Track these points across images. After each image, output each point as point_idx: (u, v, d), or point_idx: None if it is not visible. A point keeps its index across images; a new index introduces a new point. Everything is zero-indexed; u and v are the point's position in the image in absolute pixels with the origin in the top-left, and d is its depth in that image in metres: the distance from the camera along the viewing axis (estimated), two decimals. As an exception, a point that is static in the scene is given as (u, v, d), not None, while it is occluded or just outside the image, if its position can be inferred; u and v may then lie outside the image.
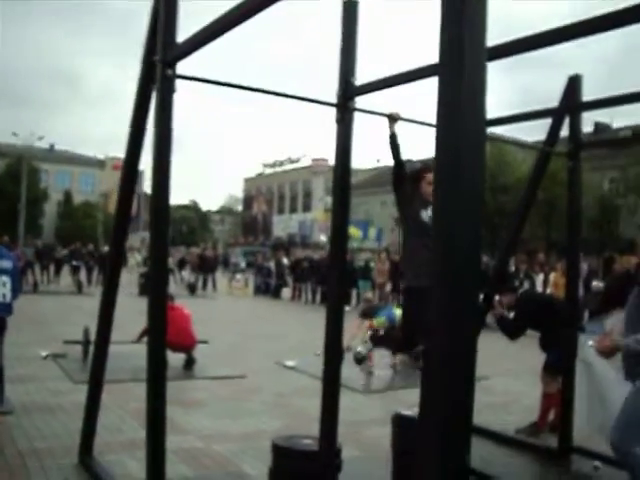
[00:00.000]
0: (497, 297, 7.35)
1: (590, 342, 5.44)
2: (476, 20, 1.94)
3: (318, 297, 24.82)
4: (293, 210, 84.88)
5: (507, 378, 10.27)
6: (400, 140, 4.91)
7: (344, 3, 4.32)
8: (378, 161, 71.08)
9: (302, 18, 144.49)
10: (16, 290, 6.96)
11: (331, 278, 4.52)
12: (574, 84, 6.00)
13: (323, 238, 58.84)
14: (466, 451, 2.06)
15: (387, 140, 4.90)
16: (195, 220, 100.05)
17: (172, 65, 3.93)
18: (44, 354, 10.15)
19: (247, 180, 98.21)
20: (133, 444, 5.97)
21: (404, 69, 4.54)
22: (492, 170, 37.19)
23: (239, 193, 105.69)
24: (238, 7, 3.31)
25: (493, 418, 7.58)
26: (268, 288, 28.32)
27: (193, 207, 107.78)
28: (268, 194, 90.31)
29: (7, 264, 6.88)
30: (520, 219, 6.69)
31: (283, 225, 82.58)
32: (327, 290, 5.05)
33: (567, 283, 6.74)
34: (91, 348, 9.22)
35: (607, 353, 4.75)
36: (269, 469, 4.86)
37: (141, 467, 4.79)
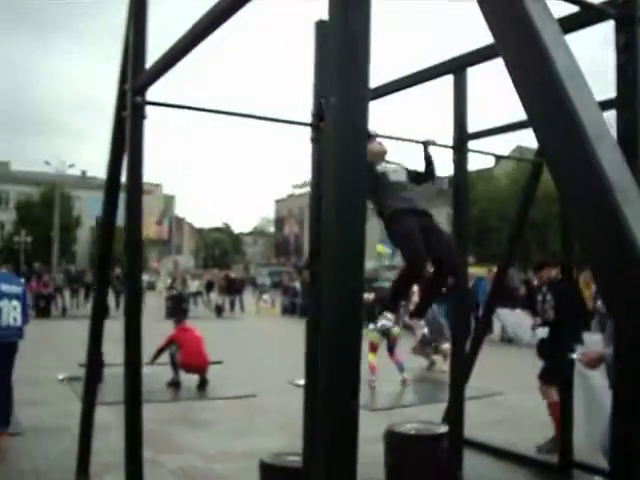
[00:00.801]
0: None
1: (575, 355, 5.44)
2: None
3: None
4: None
5: (519, 393, 10.17)
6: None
7: (316, 23, 4.40)
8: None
9: (275, 34, 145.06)
10: (26, 314, 7.15)
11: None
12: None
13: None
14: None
15: None
16: (228, 242, 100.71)
17: (141, 92, 4.05)
18: (61, 377, 10.32)
19: (278, 201, 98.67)
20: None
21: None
22: (521, 184, 36.88)
23: (271, 215, 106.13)
24: (196, 25, 3.33)
25: (501, 434, 7.56)
26: (295, 308, 28.38)
27: (226, 230, 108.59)
28: (299, 215, 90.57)
29: (17, 289, 7.11)
30: (516, 230, 6.74)
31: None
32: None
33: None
34: (106, 370, 9.48)
35: (592, 365, 4.77)
36: (257, 487, 4.92)
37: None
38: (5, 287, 6.89)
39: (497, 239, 34.70)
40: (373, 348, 10.80)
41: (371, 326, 10.30)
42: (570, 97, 1.35)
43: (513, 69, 1.49)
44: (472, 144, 5.77)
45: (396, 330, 10.87)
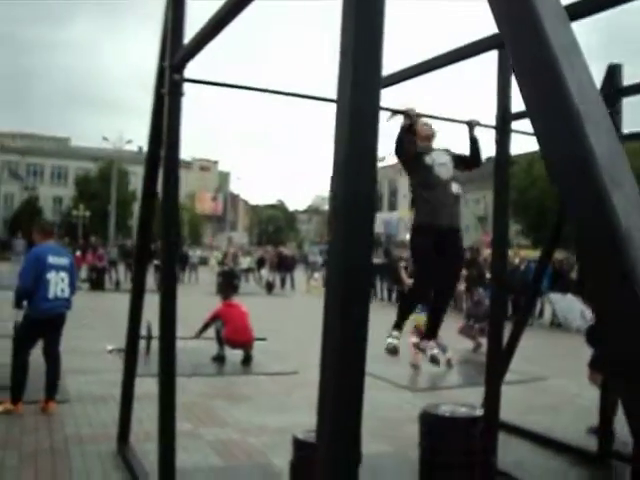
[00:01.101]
0: None
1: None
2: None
3: (394, 296, 24.77)
4: (379, 209, 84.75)
5: (564, 379, 10.04)
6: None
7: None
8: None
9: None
10: (74, 286, 7.33)
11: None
12: (614, 73, 5.89)
13: (409, 236, 58.27)
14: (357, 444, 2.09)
15: (399, 130, 4.89)
16: (282, 220, 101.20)
17: (179, 69, 4.09)
18: (109, 348, 10.57)
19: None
20: (170, 434, 6.22)
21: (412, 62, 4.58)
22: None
23: (325, 192, 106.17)
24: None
25: (542, 420, 7.48)
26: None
27: (280, 207, 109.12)
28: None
29: (65, 261, 7.26)
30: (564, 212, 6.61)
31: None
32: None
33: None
34: (153, 343, 9.69)
35: None
36: (290, 461, 4.98)
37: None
38: (53, 259, 7.06)
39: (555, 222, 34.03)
40: (419, 332, 10.74)
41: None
42: (565, 77, 1.32)
43: (513, 51, 1.46)
44: (516, 125, 5.65)
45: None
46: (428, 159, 4.94)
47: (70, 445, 5.93)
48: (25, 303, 7.06)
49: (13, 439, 6.02)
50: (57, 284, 7.03)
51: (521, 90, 1.47)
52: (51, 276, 6.99)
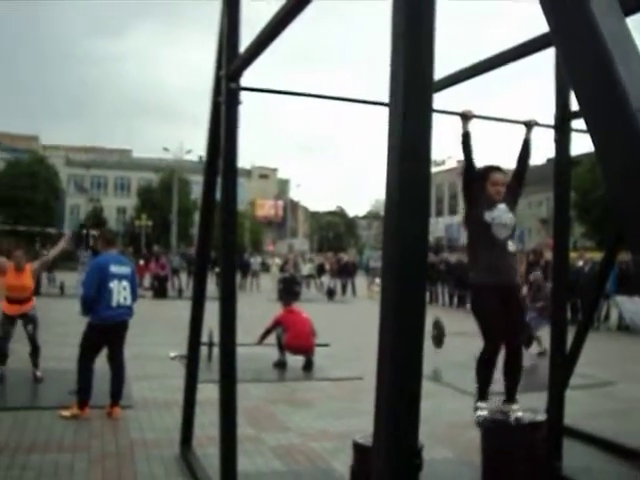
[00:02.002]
0: None
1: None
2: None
3: (455, 300, 24.57)
4: (439, 213, 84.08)
5: (632, 383, 9.79)
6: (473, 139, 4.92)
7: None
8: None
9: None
10: (135, 293, 7.49)
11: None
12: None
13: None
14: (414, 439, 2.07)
15: (459, 139, 4.91)
16: (342, 226, 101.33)
17: (236, 78, 4.15)
18: (172, 355, 10.73)
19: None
20: (233, 439, 6.28)
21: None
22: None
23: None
24: (283, 7, 3.36)
25: (610, 425, 7.31)
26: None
27: (340, 213, 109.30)
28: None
29: (127, 270, 7.46)
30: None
31: (430, 229, 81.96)
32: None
33: None
34: (215, 349, 9.81)
35: None
36: (350, 466, 4.97)
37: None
38: (115, 268, 7.25)
39: (620, 223, 33.21)
40: None
41: None
42: (619, 73, 1.30)
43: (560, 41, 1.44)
44: (577, 124, 5.54)
45: None
46: (488, 216, 4.89)
47: (135, 449, 6.05)
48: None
49: (81, 443, 6.18)
50: (119, 292, 7.21)
51: (574, 88, 1.45)
52: (113, 285, 7.16)
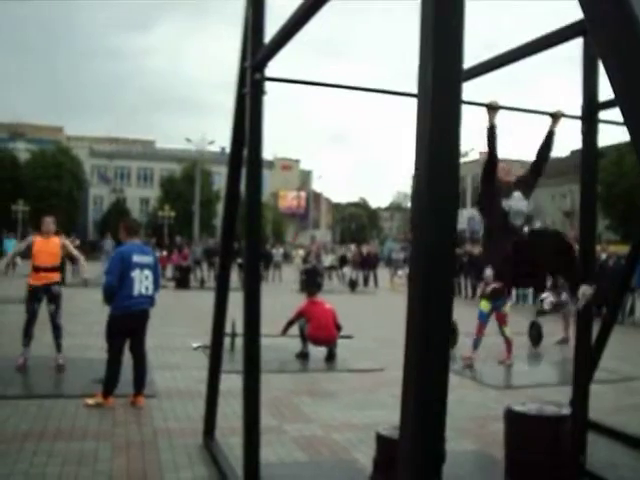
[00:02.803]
0: None
1: None
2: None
3: (478, 292, 24.42)
4: (462, 205, 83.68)
5: (657, 379, 9.70)
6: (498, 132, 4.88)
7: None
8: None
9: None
10: (157, 283, 7.53)
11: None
12: None
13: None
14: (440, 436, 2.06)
15: (485, 132, 4.86)
16: (364, 217, 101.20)
17: (260, 69, 4.14)
18: (195, 345, 10.79)
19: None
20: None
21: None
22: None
23: (407, 189, 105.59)
24: None
25: (634, 420, 7.24)
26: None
27: (362, 204, 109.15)
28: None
29: (149, 259, 7.51)
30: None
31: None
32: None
33: None
34: (238, 340, 9.85)
35: None
36: (373, 458, 4.98)
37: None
38: (137, 258, 7.29)
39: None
40: (502, 321, 10.75)
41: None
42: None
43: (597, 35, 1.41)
44: (603, 114, 5.46)
45: (508, 307, 10.91)
46: (505, 205, 4.88)
47: (159, 438, 6.10)
48: None
49: (105, 431, 6.23)
50: (141, 282, 7.26)
51: (609, 75, 1.43)
52: (135, 274, 7.21)
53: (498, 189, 4.92)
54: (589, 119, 5.27)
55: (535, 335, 12.51)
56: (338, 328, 10.83)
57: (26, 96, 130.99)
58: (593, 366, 5.94)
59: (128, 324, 7.35)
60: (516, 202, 4.90)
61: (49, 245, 8.88)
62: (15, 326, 9.03)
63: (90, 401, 7.11)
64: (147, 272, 7.35)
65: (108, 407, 7.03)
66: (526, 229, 4.93)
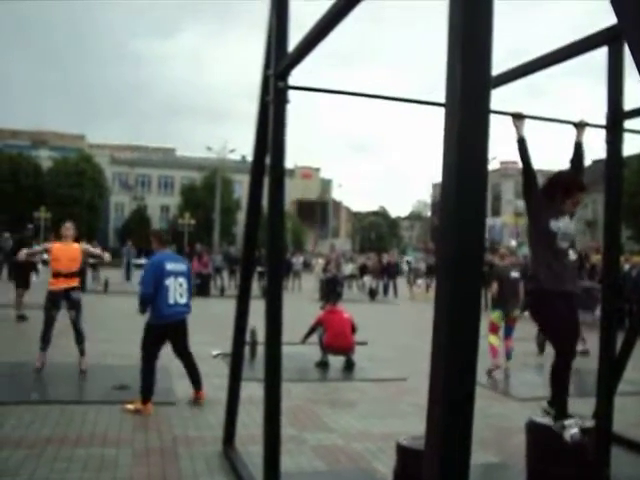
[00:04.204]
0: None
1: None
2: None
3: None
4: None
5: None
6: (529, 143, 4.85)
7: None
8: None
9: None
10: (191, 291, 7.70)
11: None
12: None
13: (513, 243, 57.20)
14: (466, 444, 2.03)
15: (516, 145, 4.85)
16: (384, 226, 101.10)
17: (284, 77, 4.14)
18: (215, 353, 10.79)
19: (435, 185, 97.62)
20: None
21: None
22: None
23: (428, 198, 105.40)
24: (334, 5, 3.34)
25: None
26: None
27: (382, 213, 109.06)
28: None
29: (183, 267, 7.69)
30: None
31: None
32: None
33: None
34: (258, 348, 9.85)
35: None
36: (393, 468, 4.94)
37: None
38: (170, 266, 7.45)
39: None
40: (494, 329, 10.65)
41: None
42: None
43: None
44: (629, 124, 5.41)
45: (517, 312, 10.86)
46: (554, 226, 4.84)
47: (178, 446, 6.09)
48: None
49: (125, 438, 6.24)
50: (176, 289, 7.40)
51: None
52: (170, 282, 7.35)
53: (548, 207, 4.89)
54: (614, 128, 5.21)
55: (542, 341, 12.49)
56: (353, 330, 10.79)
57: (49, 104, 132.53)
58: (617, 378, 5.87)
59: (166, 334, 7.49)
60: (565, 224, 4.89)
61: (69, 250, 8.96)
62: (38, 333, 9.08)
63: (130, 406, 7.22)
64: (181, 280, 7.50)
65: (128, 414, 7.04)
66: (572, 253, 4.91)
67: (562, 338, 4.93)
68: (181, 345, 7.71)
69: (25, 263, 9.76)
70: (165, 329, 7.43)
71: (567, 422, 4.89)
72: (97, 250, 9.72)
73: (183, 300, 7.48)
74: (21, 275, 14.58)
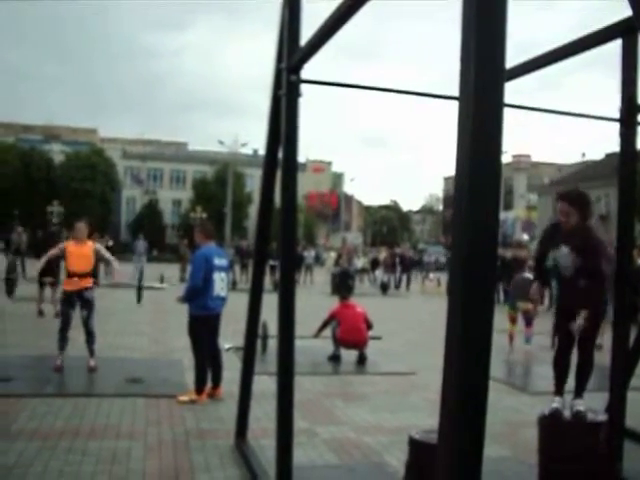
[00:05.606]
0: None
1: None
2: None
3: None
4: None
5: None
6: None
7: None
8: (584, 155, 68.82)
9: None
10: (227, 284, 7.97)
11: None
12: None
13: (525, 237, 57.04)
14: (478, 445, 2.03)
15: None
16: (396, 220, 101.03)
17: (296, 71, 4.14)
18: (227, 346, 10.81)
19: (447, 179, 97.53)
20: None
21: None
22: None
23: (439, 192, 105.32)
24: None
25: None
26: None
27: (394, 207, 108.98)
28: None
29: (225, 262, 7.92)
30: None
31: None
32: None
33: None
34: (270, 342, 9.87)
35: None
36: (405, 461, 4.94)
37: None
38: (217, 261, 7.65)
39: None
40: (511, 319, 12.06)
41: None
42: None
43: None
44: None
45: (527, 305, 11.64)
46: (551, 256, 5.12)
47: (191, 439, 6.12)
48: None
49: (138, 431, 6.27)
50: (218, 284, 7.60)
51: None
52: (215, 277, 7.54)
53: (551, 238, 5.18)
54: (628, 121, 5.18)
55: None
56: (369, 327, 10.80)
57: (61, 98, 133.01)
58: (630, 372, 5.85)
59: (208, 324, 7.69)
60: (564, 259, 5.02)
61: (82, 250, 9.00)
62: (56, 328, 9.14)
63: (184, 397, 7.45)
64: (223, 274, 7.75)
65: (140, 407, 7.09)
66: (581, 281, 4.98)
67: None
68: (213, 339, 7.86)
69: (49, 260, 9.73)
70: (208, 320, 7.65)
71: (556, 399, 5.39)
72: (108, 254, 9.73)
73: (223, 293, 7.71)
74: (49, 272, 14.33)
